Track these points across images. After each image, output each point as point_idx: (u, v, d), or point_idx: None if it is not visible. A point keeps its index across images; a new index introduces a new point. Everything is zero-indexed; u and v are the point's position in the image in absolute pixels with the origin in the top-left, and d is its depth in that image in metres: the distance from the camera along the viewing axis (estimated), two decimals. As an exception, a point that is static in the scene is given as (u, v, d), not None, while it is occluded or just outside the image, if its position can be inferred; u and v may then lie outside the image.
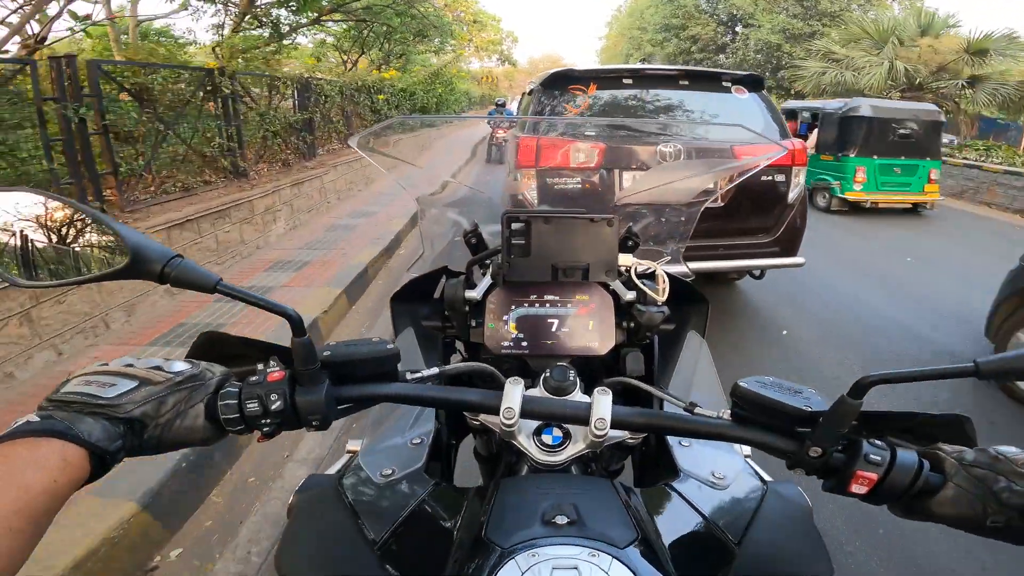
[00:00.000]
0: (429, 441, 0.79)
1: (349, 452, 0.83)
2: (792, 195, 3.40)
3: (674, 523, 0.62)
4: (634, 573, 0.43)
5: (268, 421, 0.53)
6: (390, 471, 0.71)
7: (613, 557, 0.45)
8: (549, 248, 0.85)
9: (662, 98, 3.47)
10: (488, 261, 0.92)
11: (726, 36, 21.94)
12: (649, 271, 0.88)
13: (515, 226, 0.84)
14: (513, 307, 0.88)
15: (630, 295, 0.88)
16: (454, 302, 0.86)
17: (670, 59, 25.77)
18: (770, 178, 3.37)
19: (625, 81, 3.42)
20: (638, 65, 3.73)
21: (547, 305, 0.88)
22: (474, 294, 0.87)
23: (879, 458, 0.51)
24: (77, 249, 0.53)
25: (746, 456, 0.77)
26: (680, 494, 0.67)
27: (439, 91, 13.97)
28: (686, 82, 3.42)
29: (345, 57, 15.20)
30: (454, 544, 0.56)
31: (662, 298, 0.84)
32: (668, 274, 0.89)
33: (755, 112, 3.42)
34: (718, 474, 0.70)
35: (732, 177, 1.37)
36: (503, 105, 12.58)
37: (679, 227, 1.19)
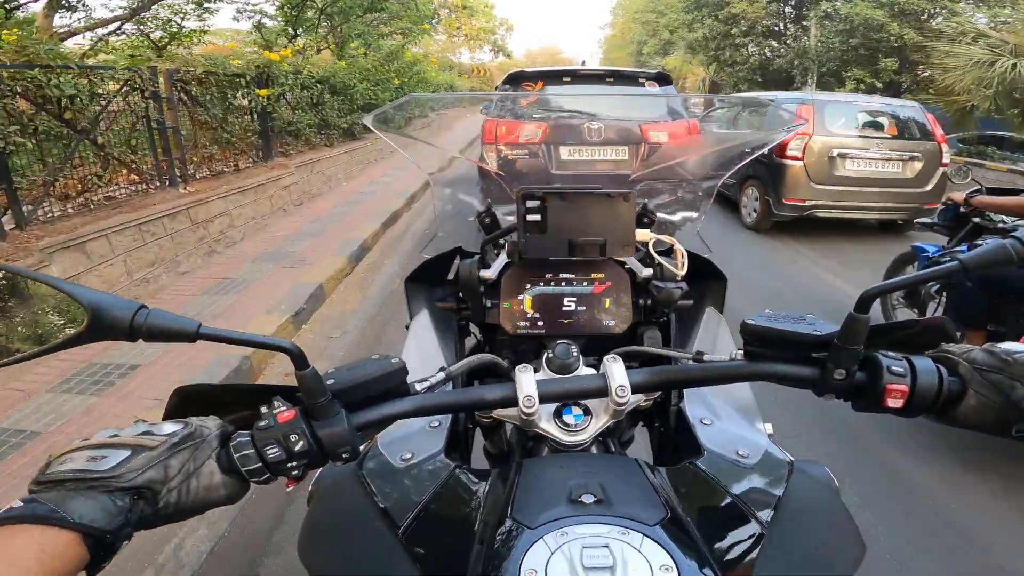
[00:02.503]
0: (447, 424, 0.76)
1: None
2: None
3: (701, 501, 0.61)
4: (666, 550, 0.43)
5: (294, 464, 0.50)
6: (409, 455, 0.69)
7: (644, 535, 0.44)
8: (565, 224, 0.82)
9: (593, 90, 4.61)
10: (503, 240, 0.93)
11: (780, 19, 17.14)
12: (667, 247, 0.88)
13: (530, 203, 0.82)
14: (528, 286, 0.88)
15: (647, 272, 0.88)
16: (469, 282, 0.86)
17: (692, 47, 21.30)
18: None
19: (565, 79, 4.64)
20: (575, 67, 4.77)
21: (563, 284, 0.88)
22: (489, 273, 0.88)
23: (901, 369, 0.52)
24: (27, 318, 0.48)
25: (768, 435, 0.74)
26: (705, 472, 0.64)
27: (395, 83, 9.56)
28: (611, 79, 4.71)
29: (286, 41, 11.11)
30: (478, 526, 0.55)
31: (681, 273, 0.85)
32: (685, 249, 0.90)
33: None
34: (742, 452, 0.67)
35: (753, 151, 1.31)
36: None
37: (695, 202, 1.19)
